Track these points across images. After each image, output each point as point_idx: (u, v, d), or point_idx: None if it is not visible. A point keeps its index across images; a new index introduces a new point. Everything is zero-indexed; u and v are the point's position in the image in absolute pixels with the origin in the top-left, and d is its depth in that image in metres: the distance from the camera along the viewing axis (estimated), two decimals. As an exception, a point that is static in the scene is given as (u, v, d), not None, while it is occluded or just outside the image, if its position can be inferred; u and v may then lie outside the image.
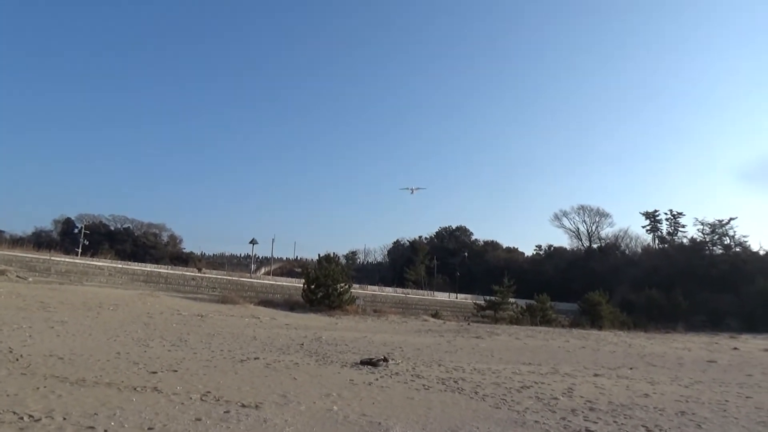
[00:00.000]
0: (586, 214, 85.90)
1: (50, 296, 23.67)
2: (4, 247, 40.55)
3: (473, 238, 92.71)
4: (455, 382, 10.34)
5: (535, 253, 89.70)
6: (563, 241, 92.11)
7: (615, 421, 7.54)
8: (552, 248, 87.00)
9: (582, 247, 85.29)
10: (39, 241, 61.36)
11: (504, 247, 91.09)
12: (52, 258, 37.62)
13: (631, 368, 14.70)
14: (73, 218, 78.94)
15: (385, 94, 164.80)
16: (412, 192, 76.37)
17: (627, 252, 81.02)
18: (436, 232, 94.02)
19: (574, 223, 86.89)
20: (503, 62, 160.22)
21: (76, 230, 73.26)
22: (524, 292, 47.49)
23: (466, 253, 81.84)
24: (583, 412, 8.07)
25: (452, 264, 75.94)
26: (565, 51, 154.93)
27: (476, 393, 9.23)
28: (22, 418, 5.83)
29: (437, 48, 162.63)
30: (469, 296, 57.52)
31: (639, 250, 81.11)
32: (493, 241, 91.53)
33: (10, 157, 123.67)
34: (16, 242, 50.32)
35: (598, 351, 20.31)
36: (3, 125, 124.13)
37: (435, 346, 18.48)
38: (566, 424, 7.26)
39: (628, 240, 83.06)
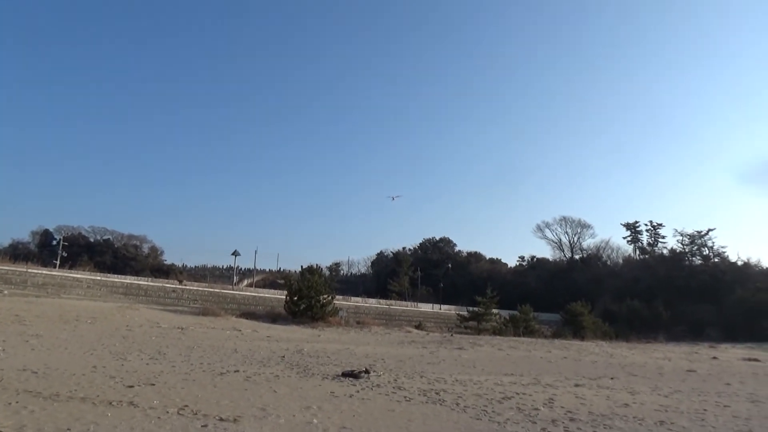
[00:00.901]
0: (568, 226, 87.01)
1: (26, 309, 23.18)
2: (-21, 259, 39.79)
3: (456, 249, 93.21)
4: (437, 393, 10.29)
5: (518, 264, 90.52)
6: (546, 252, 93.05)
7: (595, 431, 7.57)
8: (535, 259, 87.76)
9: (564, 258, 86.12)
10: (16, 253, 60.27)
11: (487, 258, 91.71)
12: (29, 270, 36.95)
13: (611, 378, 14.77)
14: (51, 230, 77.76)
15: (367, 106, 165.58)
16: (393, 199, 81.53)
17: (608, 263, 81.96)
18: (420, 244, 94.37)
19: (556, 234, 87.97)
20: (486, 74, 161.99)
21: (54, 242, 72.19)
22: (507, 303, 47.68)
23: (449, 265, 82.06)
24: (563, 422, 8.08)
25: (436, 275, 76.10)
26: (547, 65, 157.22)
27: (457, 404, 9.20)
28: (-9, 435, 5.69)
29: (420, 56, 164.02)
30: (452, 307, 57.62)
31: (620, 261, 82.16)
32: (476, 253, 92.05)
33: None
34: (-8, 254, 49.44)
35: (580, 361, 20.38)
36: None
37: (417, 357, 18.41)
38: (546, 434, 7.27)
39: (610, 251, 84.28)
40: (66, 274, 39.64)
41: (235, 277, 65.83)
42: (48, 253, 66.82)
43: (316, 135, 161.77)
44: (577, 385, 12.65)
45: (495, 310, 44.05)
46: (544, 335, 40.06)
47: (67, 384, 8.88)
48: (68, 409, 7.09)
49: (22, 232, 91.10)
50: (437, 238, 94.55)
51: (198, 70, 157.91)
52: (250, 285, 67.78)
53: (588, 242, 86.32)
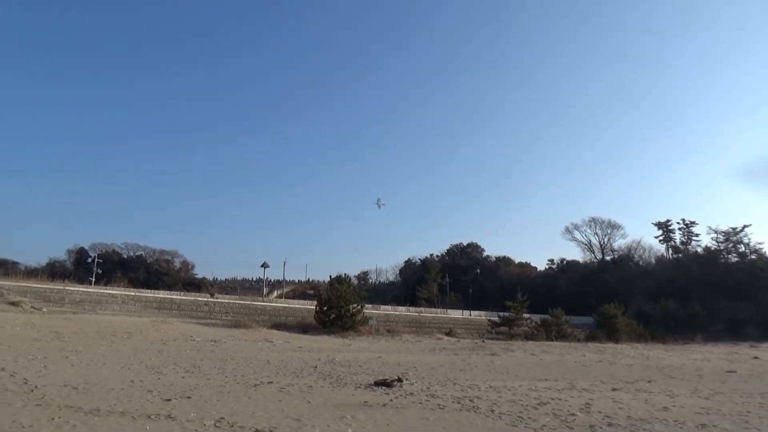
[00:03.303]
0: (597, 227, 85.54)
1: (64, 326, 23.79)
2: (19, 278, 41.10)
3: (485, 254, 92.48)
4: (471, 400, 10.22)
5: (547, 267, 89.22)
6: (576, 254, 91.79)
7: (634, 436, 7.43)
8: (564, 262, 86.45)
9: (595, 260, 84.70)
10: (53, 271, 61.95)
11: (516, 262, 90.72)
12: (66, 288, 37.88)
13: (649, 381, 14.48)
14: (86, 248, 79.80)
15: (392, 115, 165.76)
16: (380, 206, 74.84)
17: (641, 263, 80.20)
18: (448, 250, 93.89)
19: (585, 235, 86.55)
20: (508, 74, 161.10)
21: (89, 259, 73.86)
22: (538, 307, 47.11)
23: (478, 270, 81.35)
24: (601, 427, 7.95)
25: (464, 281, 75.55)
26: (570, 61, 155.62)
27: (492, 411, 9.12)
28: (37, 450, 5.84)
29: (441, 57, 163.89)
30: (482, 313, 57.03)
31: (653, 260, 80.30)
32: (505, 257, 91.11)
33: (24, 188, 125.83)
34: (31, 273, 51.11)
35: (615, 364, 20.02)
36: (16, 156, 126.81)
37: (449, 364, 18.31)
38: (584, 440, 7.16)
39: (642, 251, 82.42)
40: (101, 291, 40.51)
41: (264, 289, 66.39)
42: (83, 271, 68.50)
43: (341, 147, 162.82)
44: (613, 389, 12.43)
45: (526, 315, 43.53)
46: (577, 339, 39.46)
47: (106, 398, 9.07)
48: (108, 424, 7.25)
49: (59, 251, 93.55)
50: (465, 244, 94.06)
51: (223, 84, 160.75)
52: (279, 296, 68.24)
53: (619, 243, 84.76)
